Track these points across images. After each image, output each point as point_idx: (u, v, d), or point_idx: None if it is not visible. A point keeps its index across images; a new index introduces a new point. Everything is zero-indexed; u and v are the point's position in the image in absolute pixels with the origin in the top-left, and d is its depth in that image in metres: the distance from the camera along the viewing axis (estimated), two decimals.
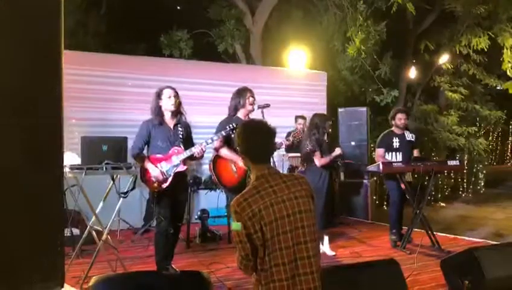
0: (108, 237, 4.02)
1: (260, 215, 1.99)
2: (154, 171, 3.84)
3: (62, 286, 1.74)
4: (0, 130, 1.67)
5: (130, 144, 4.09)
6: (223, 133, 4.08)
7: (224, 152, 4.24)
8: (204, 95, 6.97)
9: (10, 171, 1.67)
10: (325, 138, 5.14)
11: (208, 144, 4.06)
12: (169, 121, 4.06)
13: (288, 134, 6.45)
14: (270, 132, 2.26)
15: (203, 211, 5.72)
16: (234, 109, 4.38)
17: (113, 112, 6.49)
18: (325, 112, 7.80)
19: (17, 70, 1.75)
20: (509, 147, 19.44)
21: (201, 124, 5.51)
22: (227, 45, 9.63)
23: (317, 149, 4.96)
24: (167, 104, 4.00)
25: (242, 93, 4.36)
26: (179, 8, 10.87)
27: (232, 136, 4.11)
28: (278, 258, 1.98)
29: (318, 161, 4.96)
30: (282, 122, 6.32)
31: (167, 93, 4.01)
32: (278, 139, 3.33)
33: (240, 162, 4.20)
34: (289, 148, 6.14)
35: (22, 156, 1.71)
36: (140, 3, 9.53)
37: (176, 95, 4.04)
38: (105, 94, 6.50)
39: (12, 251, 1.63)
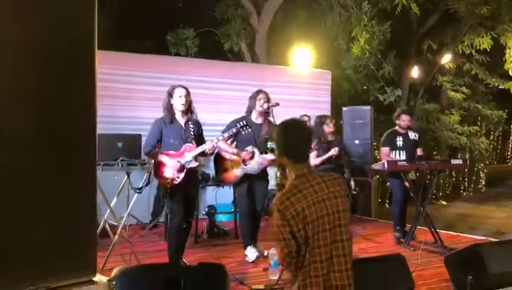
0: (123, 231, 4.13)
1: (303, 215, 2.03)
2: (170, 161, 3.89)
3: (94, 275, 1.85)
4: (33, 129, 1.77)
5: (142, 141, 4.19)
6: (234, 130, 4.20)
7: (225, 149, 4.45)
8: (210, 93, 7.06)
9: (46, 166, 1.78)
10: (325, 138, 5.24)
11: (218, 141, 4.16)
12: (181, 119, 4.13)
13: None
14: (307, 131, 2.33)
15: (211, 207, 5.82)
16: (249, 110, 4.55)
17: (122, 109, 6.58)
18: (329, 111, 7.93)
19: (49, 71, 1.84)
20: (510, 146, 19.56)
21: (207, 121, 5.57)
22: (233, 43, 9.69)
23: (315, 149, 5.07)
24: (178, 103, 4.06)
25: (255, 95, 4.52)
26: (180, 5, 10.91)
27: (243, 133, 4.26)
28: (316, 256, 2.03)
29: (312, 160, 5.07)
30: None
31: (178, 92, 4.08)
32: None
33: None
34: None
35: (55, 150, 1.82)
36: (148, 2, 9.60)
37: (187, 94, 4.11)
38: (114, 91, 6.57)
39: (48, 241, 1.73)
